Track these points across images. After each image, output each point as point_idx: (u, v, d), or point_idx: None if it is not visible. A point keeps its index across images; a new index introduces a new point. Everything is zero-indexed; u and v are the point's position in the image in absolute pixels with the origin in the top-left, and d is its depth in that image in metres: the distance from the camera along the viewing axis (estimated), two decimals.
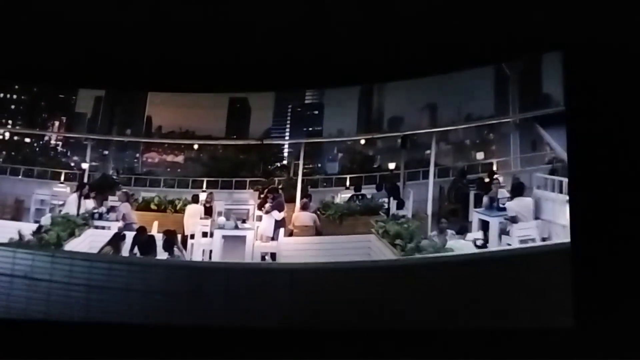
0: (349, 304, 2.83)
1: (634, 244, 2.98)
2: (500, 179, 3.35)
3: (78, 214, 3.73)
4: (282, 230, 3.58)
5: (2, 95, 4.40)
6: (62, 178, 4.04)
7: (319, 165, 4.14)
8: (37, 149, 4.39)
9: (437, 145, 3.74)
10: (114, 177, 4.10)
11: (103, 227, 3.70)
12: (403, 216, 3.43)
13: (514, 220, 3.04)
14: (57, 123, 4.40)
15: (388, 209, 3.60)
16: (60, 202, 3.87)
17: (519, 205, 3.10)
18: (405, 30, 3.65)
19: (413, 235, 3.09)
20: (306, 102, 4.25)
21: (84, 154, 4.25)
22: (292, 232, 3.58)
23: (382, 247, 3.14)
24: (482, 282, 2.87)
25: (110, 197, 3.97)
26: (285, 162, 4.19)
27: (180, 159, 4.23)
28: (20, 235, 3.35)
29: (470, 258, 3.02)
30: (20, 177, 4.10)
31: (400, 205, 3.58)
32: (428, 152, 3.73)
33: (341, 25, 3.67)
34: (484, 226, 3.18)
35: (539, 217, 3.11)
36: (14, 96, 4.44)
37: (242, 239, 3.51)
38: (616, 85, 3.23)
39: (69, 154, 4.32)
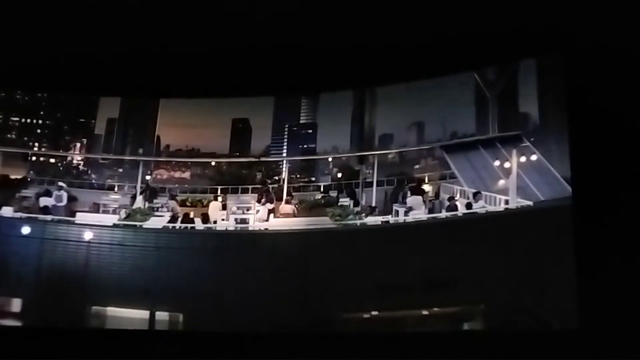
0: (307, 250, 3.87)
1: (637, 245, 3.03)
2: (428, 187, 4.26)
3: (144, 207, 4.48)
4: (272, 215, 4.40)
5: (29, 120, 4.68)
6: (116, 189, 4.75)
7: (313, 178, 4.68)
8: (61, 168, 4.79)
9: (425, 160, 4.34)
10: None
11: (157, 216, 4.49)
12: (347, 205, 4.39)
13: (410, 209, 4.12)
14: (78, 144, 4.77)
15: (337, 201, 4.48)
16: (116, 205, 4.61)
17: (414, 200, 4.16)
18: (395, 31, 3.72)
19: (347, 215, 4.20)
20: (301, 121, 4.59)
21: (101, 172, 4.79)
22: (278, 216, 4.40)
23: (329, 222, 4.21)
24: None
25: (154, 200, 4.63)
26: (282, 175, 4.65)
27: (187, 174, 4.77)
28: (120, 219, 4.33)
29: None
30: (85, 189, 4.73)
31: (356, 204, 4.41)
32: (417, 166, 4.34)
33: (335, 27, 3.74)
34: (396, 213, 4.18)
35: (443, 209, 4.10)
36: (40, 121, 4.72)
37: (247, 220, 4.42)
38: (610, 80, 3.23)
39: (89, 172, 4.79)
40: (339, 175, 4.62)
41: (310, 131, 4.59)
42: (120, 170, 4.82)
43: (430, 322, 3.54)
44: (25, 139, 4.67)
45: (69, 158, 4.79)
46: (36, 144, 4.71)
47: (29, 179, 4.60)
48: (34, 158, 4.73)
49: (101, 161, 4.83)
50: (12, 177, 4.53)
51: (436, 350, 3.31)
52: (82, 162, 4.82)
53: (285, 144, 4.63)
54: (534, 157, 3.61)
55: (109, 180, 4.77)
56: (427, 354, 3.33)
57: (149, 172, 4.73)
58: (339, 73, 3.96)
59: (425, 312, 3.54)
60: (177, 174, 4.78)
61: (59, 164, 4.79)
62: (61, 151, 4.73)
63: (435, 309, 3.52)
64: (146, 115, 4.73)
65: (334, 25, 3.75)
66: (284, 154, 4.63)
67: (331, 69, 3.92)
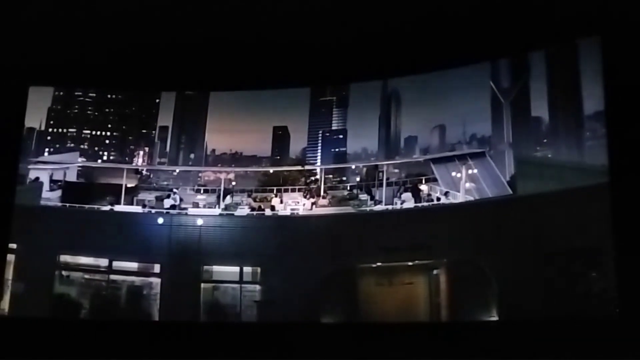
0: (335, 226, 5.05)
1: None
2: (424, 187, 5.10)
3: (232, 202, 5.53)
4: (314, 206, 5.41)
5: (99, 132, 5.18)
6: (202, 191, 5.68)
7: (344, 177, 5.42)
8: (159, 177, 5.54)
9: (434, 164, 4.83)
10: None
11: (240, 208, 5.50)
12: (365, 199, 5.35)
13: (403, 201, 5.20)
14: (141, 152, 5.32)
15: (357, 196, 5.40)
16: (205, 203, 5.59)
17: (406, 196, 5.21)
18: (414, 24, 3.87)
19: (362, 205, 5.34)
20: (333, 128, 5.15)
21: (159, 177, 5.44)
22: (317, 207, 5.42)
23: (350, 209, 5.33)
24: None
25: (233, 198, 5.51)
26: (319, 176, 5.41)
27: (231, 176, 5.48)
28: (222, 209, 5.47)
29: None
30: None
31: (372, 199, 5.34)
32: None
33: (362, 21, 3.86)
34: (395, 203, 5.22)
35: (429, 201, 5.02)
36: (107, 133, 5.22)
37: (297, 209, 5.49)
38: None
39: (151, 176, 5.52)
40: (362, 176, 5.37)
41: (341, 136, 5.18)
42: (175, 173, 5.56)
43: (413, 270, 4.77)
44: (96, 149, 5.24)
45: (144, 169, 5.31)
46: (105, 153, 5.29)
47: (138, 187, 5.52)
48: (144, 171, 5.53)
49: (162, 168, 5.43)
50: (129, 185, 5.47)
51: (469, 340, 3.64)
52: (144, 170, 5.40)
53: (319, 148, 5.22)
54: (475, 171, 4.81)
55: (201, 187, 5.70)
56: (466, 346, 3.65)
57: (231, 180, 5.60)
58: (365, 65, 4.38)
59: (410, 264, 4.76)
60: (223, 175, 5.47)
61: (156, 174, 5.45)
62: (159, 164, 5.46)
63: (417, 262, 4.75)
64: (196, 121, 5.25)
65: (353, 21, 4.09)
66: (319, 157, 5.25)
67: (359, 61, 4.36)
